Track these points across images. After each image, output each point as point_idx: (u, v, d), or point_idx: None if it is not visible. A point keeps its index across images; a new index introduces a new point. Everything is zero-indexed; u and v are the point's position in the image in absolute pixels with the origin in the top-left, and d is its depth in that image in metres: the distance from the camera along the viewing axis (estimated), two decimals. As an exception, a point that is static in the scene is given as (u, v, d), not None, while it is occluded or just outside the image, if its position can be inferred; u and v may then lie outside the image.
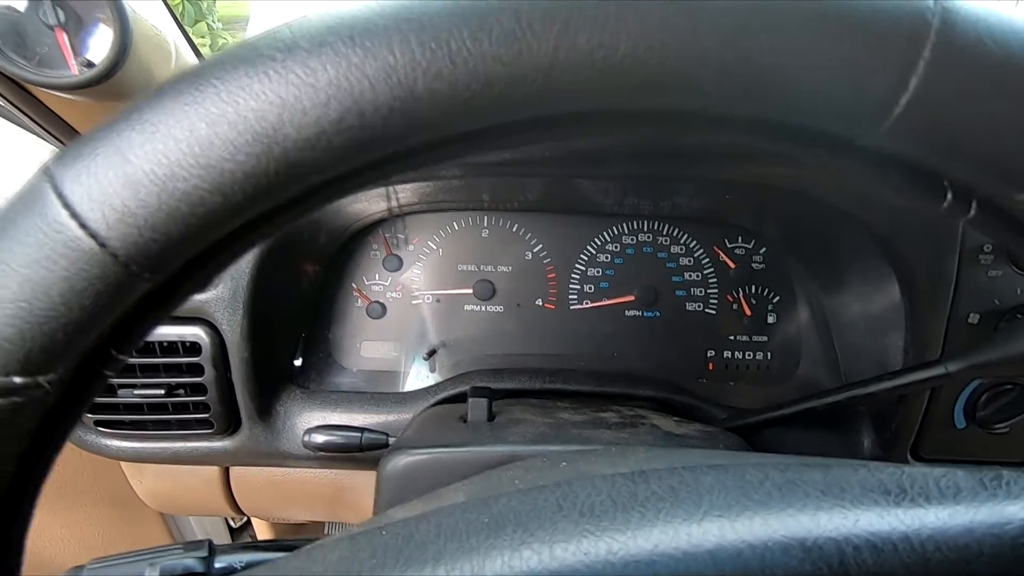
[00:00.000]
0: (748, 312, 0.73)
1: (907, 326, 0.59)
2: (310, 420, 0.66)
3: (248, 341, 0.62)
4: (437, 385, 0.69)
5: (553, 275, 0.74)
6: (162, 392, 0.61)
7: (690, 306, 0.74)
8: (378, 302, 0.74)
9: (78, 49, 0.51)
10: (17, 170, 0.63)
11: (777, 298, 0.73)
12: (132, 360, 0.60)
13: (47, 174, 0.17)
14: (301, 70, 0.16)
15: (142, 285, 0.18)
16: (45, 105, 0.56)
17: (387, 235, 0.73)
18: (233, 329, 0.61)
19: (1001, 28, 0.16)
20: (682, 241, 0.73)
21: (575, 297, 0.74)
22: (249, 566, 0.42)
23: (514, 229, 0.74)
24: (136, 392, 0.61)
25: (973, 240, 0.55)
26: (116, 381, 0.60)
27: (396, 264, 0.74)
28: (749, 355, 0.74)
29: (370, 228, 0.73)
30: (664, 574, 0.19)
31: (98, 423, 0.64)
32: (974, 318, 0.57)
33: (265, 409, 0.65)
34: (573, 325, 0.75)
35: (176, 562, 0.38)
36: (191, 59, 0.66)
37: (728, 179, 0.62)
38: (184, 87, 0.17)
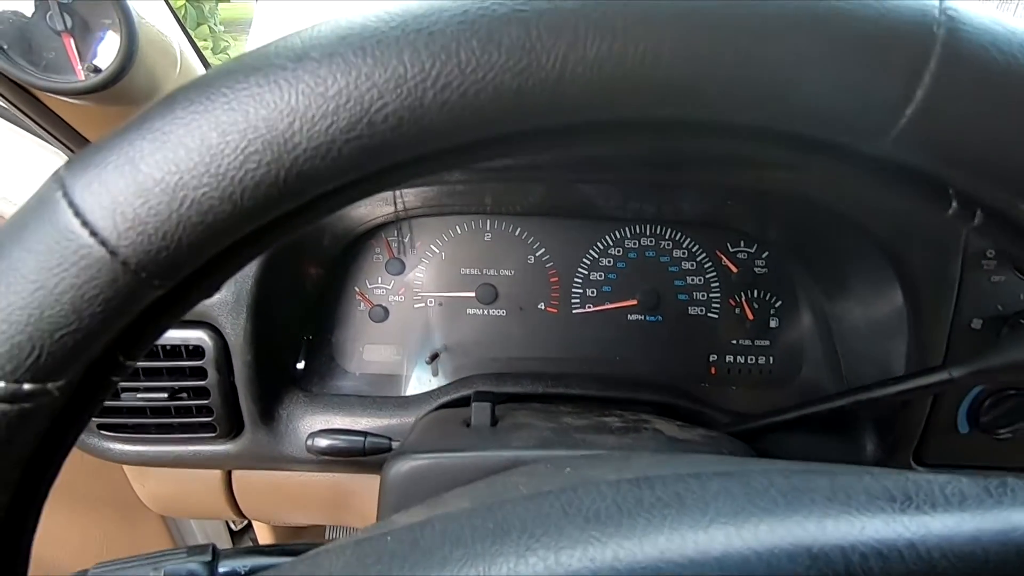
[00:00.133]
0: (750, 316, 0.73)
1: (910, 331, 0.59)
2: (313, 424, 0.66)
3: (251, 345, 0.62)
4: (440, 389, 0.69)
5: (555, 279, 0.74)
6: (165, 396, 0.61)
7: (692, 310, 0.74)
8: (381, 305, 0.74)
9: (85, 54, 0.51)
10: (24, 174, 0.64)
11: (779, 302, 0.73)
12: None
13: (59, 182, 0.17)
14: (311, 79, 0.16)
15: (152, 292, 0.18)
16: (51, 110, 0.56)
17: (390, 239, 0.73)
18: (236, 333, 0.61)
19: (1007, 38, 0.16)
20: (684, 245, 0.74)
21: (577, 301, 0.75)
22: (253, 571, 0.42)
23: (517, 233, 0.74)
24: (139, 396, 0.61)
25: (976, 245, 0.55)
26: (119, 384, 0.60)
27: (399, 268, 0.74)
28: (751, 359, 0.74)
29: (373, 231, 0.73)
30: (670, 582, 0.19)
31: (101, 427, 0.64)
32: (977, 323, 0.57)
33: (268, 413, 0.65)
34: (575, 329, 0.75)
35: (180, 566, 0.38)
36: (195, 63, 0.66)
37: (730, 184, 0.63)
38: (195, 95, 0.17)
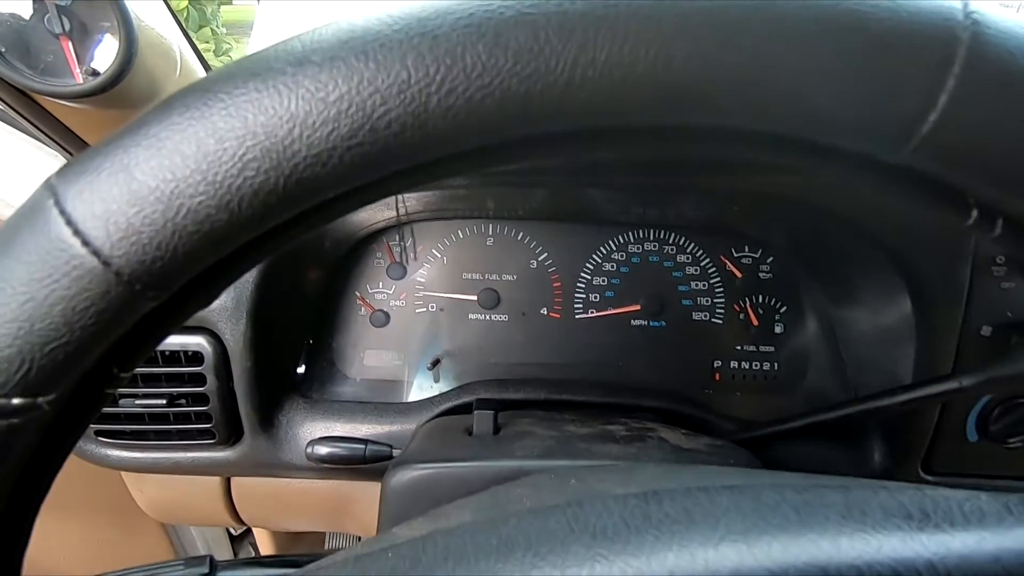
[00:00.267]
0: (755, 322, 0.73)
1: (918, 338, 0.58)
2: (313, 430, 0.65)
3: (251, 350, 0.61)
4: (441, 396, 0.68)
5: (558, 284, 0.74)
6: (164, 402, 0.60)
7: (696, 315, 0.74)
8: (382, 310, 0.74)
9: (83, 58, 0.50)
10: (23, 178, 0.63)
11: (784, 308, 0.73)
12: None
13: (50, 190, 0.16)
14: (312, 84, 0.16)
15: (146, 304, 0.17)
16: (50, 113, 0.56)
17: (391, 243, 0.73)
18: (236, 338, 0.61)
19: None
20: (688, 250, 0.73)
21: (580, 306, 0.74)
22: (251, 582, 0.41)
23: (519, 238, 0.73)
24: (137, 402, 0.60)
25: (986, 251, 0.55)
26: (118, 391, 0.60)
27: (400, 272, 0.73)
28: (756, 365, 0.73)
29: (374, 236, 0.73)
30: (681, 602, 0.18)
31: (99, 433, 0.63)
32: (987, 331, 0.56)
33: (267, 419, 0.65)
34: (578, 335, 0.74)
35: (176, 578, 0.38)
36: (196, 66, 0.66)
37: (735, 188, 0.62)
38: (192, 101, 0.16)
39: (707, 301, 0.73)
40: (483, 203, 0.69)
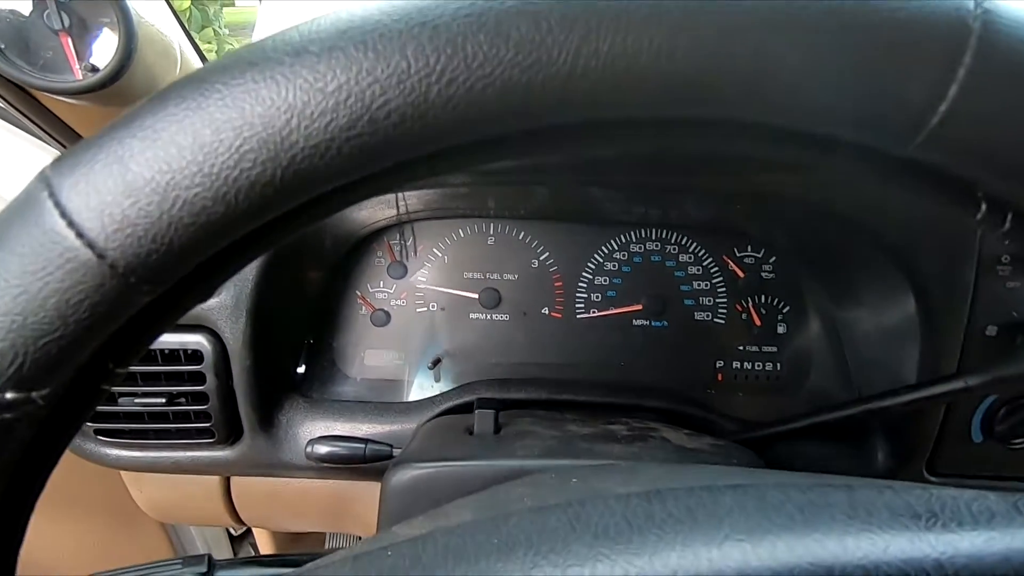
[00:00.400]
0: (758, 322, 0.72)
1: (922, 338, 0.57)
2: (313, 430, 0.65)
3: (251, 349, 0.61)
4: (442, 395, 0.68)
5: (560, 284, 0.74)
6: (163, 400, 0.60)
7: (698, 315, 0.73)
8: (382, 310, 0.73)
9: (83, 54, 0.50)
10: (21, 175, 0.63)
11: (787, 308, 0.73)
12: (133, 368, 0.59)
13: (44, 181, 0.16)
14: (310, 75, 0.15)
15: (141, 297, 0.17)
16: (49, 110, 0.56)
17: (392, 242, 0.73)
18: (236, 337, 0.60)
19: None
20: (690, 250, 0.73)
21: (582, 306, 0.74)
22: (249, 582, 0.41)
23: (520, 237, 0.73)
24: (137, 400, 0.60)
25: (991, 250, 0.54)
26: (116, 389, 0.60)
27: (401, 271, 0.73)
28: (759, 365, 0.73)
29: (375, 235, 0.72)
30: (684, 602, 0.18)
31: (98, 432, 0.63)
32: (992, 330, 0.55)
33: (267, 418, 0.65)
34: (580, 334, 0.74)
35: (175, 577, 0.38)
36: (196, 63, 0.66)
37: (737, 187, 0.62)
38: (188, 92, 0.16)
39: (709, 301, 0.73)
40: (484, 202, 0.69)
